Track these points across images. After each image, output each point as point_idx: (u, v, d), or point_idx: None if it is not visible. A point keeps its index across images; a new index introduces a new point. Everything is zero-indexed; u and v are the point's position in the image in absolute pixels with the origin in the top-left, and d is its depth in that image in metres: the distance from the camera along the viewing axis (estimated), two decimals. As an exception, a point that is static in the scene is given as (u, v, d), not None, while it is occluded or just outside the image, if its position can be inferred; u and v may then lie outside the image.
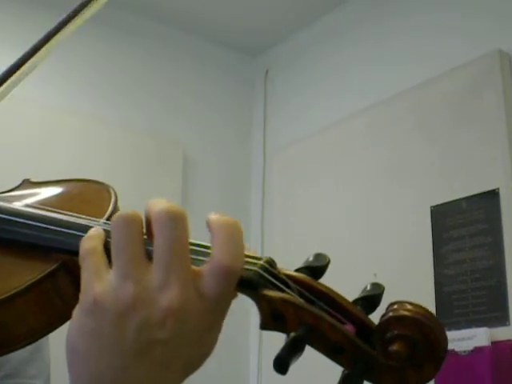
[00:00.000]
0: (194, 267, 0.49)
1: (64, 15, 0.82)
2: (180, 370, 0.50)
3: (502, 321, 2.20)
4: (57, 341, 1.00)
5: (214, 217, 0.51)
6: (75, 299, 0.55)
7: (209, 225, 0.51)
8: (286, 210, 3.13)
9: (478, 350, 2.18)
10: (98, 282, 0.49)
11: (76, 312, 0.50)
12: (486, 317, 2.23)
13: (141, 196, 2.91)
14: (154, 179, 3.07)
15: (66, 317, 0.56)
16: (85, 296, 0.50)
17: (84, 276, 0.50)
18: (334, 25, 3.16)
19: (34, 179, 0.78)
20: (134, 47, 3.24)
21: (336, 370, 0.53)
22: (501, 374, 2.14)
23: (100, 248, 0.51)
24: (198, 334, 0.49)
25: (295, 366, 0.49)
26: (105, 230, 0.53)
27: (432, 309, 2.35)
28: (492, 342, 2.17)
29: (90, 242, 0.52)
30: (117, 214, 0.50)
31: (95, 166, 2.83)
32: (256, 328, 2.93)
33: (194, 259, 0.50)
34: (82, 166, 2.81)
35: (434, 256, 2.43)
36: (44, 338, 0.92)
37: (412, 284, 2.43)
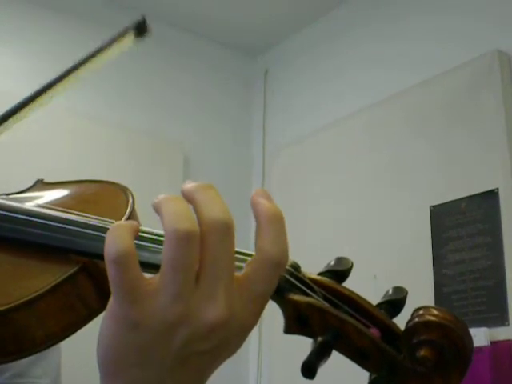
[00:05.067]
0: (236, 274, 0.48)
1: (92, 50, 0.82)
2: (210, 374, 0.50)
3: (501, 321, 2.20)
4: (68, 342, 1.01)
5: (262, 203, 0.49)
6: (96, 302, 0.55)
7: (255, 211, 0.49)
8: (285, 210, 3.10)
9: (477, 350, 2.18)
10: (143, 297, 0.46)
11: (113, 322, 0.47)
12: (486, 317, 2.23)
13: (141, 197, 2.91)
14: (154, 180, 3.06)
15: (85, 320, 0.55)
16: (126, 310, 0.46)
17: (121, 284, 0.46)
18: (334, 25, 3.16)
19: (47, 180, 0.76)
20: (133, 47, 3.23)
21: (345, 375, 0.53)
22: (500, 374, 2.14)
23: (135, 253, 0.46)
24: (236, 340, 0.49)
25: (297, 372, 0.49)
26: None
27: (432, 309, 2.36)
28: (491, 342, 2.17)
29: (124, 243, 0.46)
30: (176, 227, 0.46)
31: (94, 167, 2.83)
32: (255, 329, 2.92)
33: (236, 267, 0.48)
34: (81, 166, 2.80)
35: (433, 256, 2.42)
36: None
37: (411, 284, 2.41)
